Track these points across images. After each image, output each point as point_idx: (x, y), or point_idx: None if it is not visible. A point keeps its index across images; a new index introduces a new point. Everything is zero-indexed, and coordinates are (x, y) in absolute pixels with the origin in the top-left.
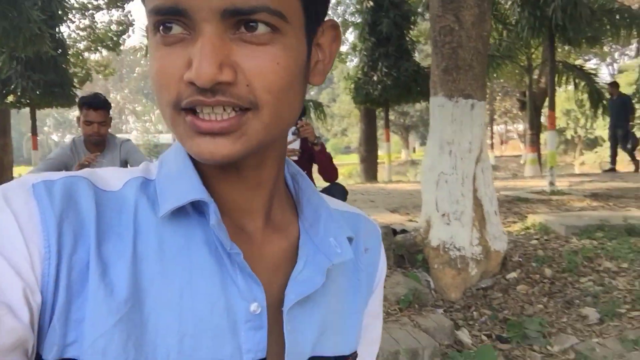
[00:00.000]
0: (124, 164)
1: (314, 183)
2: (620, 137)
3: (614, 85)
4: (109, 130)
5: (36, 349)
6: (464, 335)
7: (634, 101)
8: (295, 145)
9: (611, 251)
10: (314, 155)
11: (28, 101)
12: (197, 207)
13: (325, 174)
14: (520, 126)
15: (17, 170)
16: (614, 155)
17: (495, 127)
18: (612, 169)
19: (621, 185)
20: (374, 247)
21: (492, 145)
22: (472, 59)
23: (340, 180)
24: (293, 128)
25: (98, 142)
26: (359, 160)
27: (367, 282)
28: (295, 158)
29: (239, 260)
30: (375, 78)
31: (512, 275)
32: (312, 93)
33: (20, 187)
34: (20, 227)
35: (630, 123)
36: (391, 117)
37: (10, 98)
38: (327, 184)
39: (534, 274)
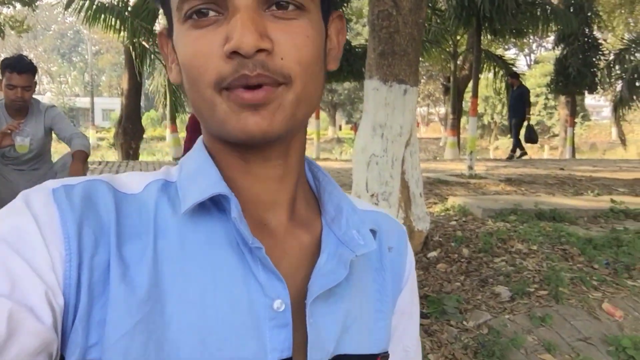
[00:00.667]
0: (49, 131)
1: None
2: (513, 126)
3: (515, 76)
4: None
5: (60, 351)
6: None
7: (547, 91)
8: None
9: (523, 234)
10: None
11: None
12: (217, 204)
13: None
14: (442, 109)
15: None
16: (515, 144)
17: (418, 110)
18: (511, 157)
19: (532, 171)
20: (399, 246)
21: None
22: (407, 45)
23: None
24: None
25: (21, 108)
26: None
27: (392, 282)
28: None
29: (260, 256)
30: None
31: (433, 254)
32: None
33: (41, 192)
34: (40, 230)
35: (528, 115)
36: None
37: None
38: None
39: (452, 254)
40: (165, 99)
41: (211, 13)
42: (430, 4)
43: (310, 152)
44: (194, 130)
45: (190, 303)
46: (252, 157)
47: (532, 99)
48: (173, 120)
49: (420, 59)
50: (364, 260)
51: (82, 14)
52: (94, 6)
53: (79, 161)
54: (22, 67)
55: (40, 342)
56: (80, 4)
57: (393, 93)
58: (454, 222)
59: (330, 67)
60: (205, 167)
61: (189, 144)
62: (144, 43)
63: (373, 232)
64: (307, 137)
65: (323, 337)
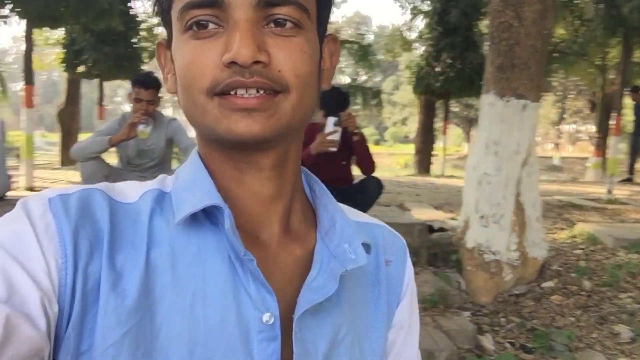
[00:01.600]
0: (169, 142)
1: (351, 174)
2: (631, 145)
3: (635, 90)
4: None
5: (52, 357)
6: (486, 341)
7: None
8: (336, 136)
9: None
10: (353, 146)
11: (98, 72)
12: (210, 215)
13: (361, 166)
14: (592, 127)
15: (83, 137)
16: (631, 164)
17: (565, 127)
18: (629, 179)
19: None
20: (398, 260)
21: (557, 146)
22: (529, 57)
23: (395, 170)
24: (335, 119)
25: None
26: (414, 151)
27: (388, 296)
28: (334, 149)
29: (251, 268)
30: (438, 69)
31: (548, 284)
32: (376, 80)
33: (38, 201)
34: (38, 238)
35: None
36: (455, 108)
37: (82, 68)
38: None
39: (571, 285)
40: None
41: (211, 25)
42: (576, 14)
43: (436, 168)
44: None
45: (179, 313)
46: (245, 165)
47: None
48: None
49: (567, 73)
50: (358, 274)
51: None
52: None
53: None
54: (148, 83)
55: (34, 347)
56: None
57: (510, 108)
58: (578, 251)
59: (324, 87)
60: (199, 178)
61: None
62: None
63: (366, 245)
64: (434, 153)
65: (310, 351)
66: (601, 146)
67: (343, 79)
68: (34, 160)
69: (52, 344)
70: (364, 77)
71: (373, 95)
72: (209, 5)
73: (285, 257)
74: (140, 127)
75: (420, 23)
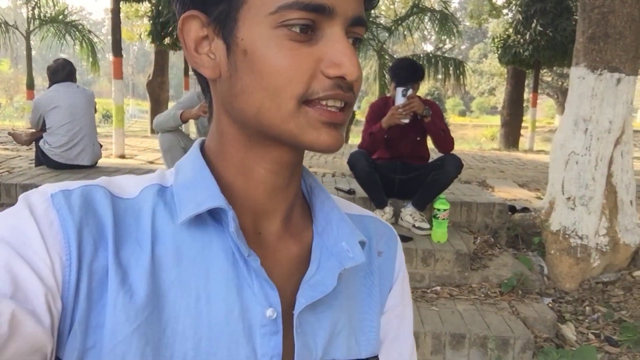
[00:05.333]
0: None
1: (427, 150)
2: None
3: None
4: None
5: (56, 353)
6: (568, 331)
7: None
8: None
9: None
10: (425, 125)
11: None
12: (214, 214)
13: (437, 145)
14: None
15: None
16: None
17: None
18: None
19: None
20: (389, 250)
21: None
22: (624, 27)
23: (481, 143)
24: (402, 89)
25: None
26: (500, 124)
27: (380, 286)
28: (406, 121)
29: (255, 266)
30: (527, 37)
31: None
32: (462, 47)
33: (41, 196)
34: (42, 235)
35: None
36: (547, 78)
37: (168, 40)
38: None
39: None
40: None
41: (307, 30)
42: None
43: (525, 142)
44: (371, 120)
45: (184, 309)
46: (277, 160)
47: None
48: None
49: None
50: (353, 268)
51: None
52: None
53: None
54: None
55: (37, 343)
56: None
57: (603, 82)
58: None
59: None
60: (203, 176)
61: (364, 134)
62: None
63: (362, 243)
64: (523, 126)
65: (310, 345)
66: None
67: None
68: (124, 129)
69: (55, 341)
70: (448, 46)
71: (456, 65)
72: (315, 10)
73: (284, 253)
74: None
75: None
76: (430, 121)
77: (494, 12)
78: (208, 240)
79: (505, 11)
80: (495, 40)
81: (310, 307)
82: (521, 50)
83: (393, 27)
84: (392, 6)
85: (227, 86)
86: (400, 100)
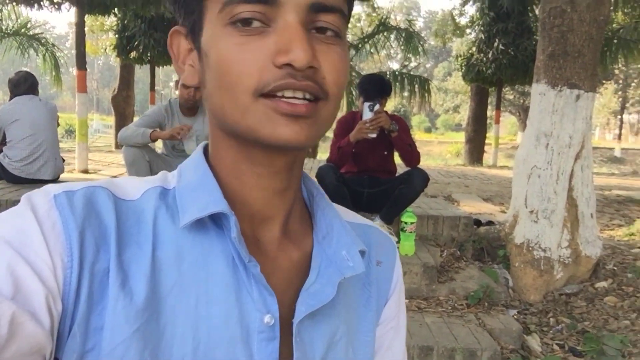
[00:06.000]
0: None
1: (394, 164)
2: None
3: None
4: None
5: (55, 355)
6: (533, 342)
7: None
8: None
9: None
10: (392, 140)
11: (149, 58)
12: (215, 218)
13: (405, 160)
14: None
15: None
16: None
17: (626, 116)
18: None
19: None
20: (388, 260)
21: (619, 136)
22: (582, 45)
23: (446, 159)
24: (369, 104)
25: (192, 107)
26: (464, 140)
27: (378, 296)
28: (373, 135)
29: (255, 272)
30: (490, 55)
31: (602, 284)
32: (427, 66)
33: (44, 197)
34: (44, 236)
35: None
36: (510, 96)
37: (133, 54)
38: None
39: (627, 286)
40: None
41: (256, 23)
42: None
43: (488, 158)
44: (339, 135)
45: (183, 314)
46: (265, 164)
47: None
48: None
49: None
50: (352, 277)
51: None
52: None
53: None
54: None
55: (37, 344)
56: None
57: (563, 99)
58: (636, 250)
59: None
60: (206, 180)
61: (332, 148)
62: None
63: (362, 252)
64: (486, 142)
65: (308, 354)
66: None
67: (392, 64)
68: (87, 144)
69: (54, 343)
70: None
71: (421, 83)
72: (261, 1)
73: (283, 260)
74: (187, 145)
75: (471, 8)
76: (397, 136)
77: (458, 32)
78: (209, 244)
79: (468, 31)
80: (459, 58)
81: (310, 316)
82: (484, 69)
83: (360, 45)
84: (358, 24)
85: (204, 91)
86: (367, 115)
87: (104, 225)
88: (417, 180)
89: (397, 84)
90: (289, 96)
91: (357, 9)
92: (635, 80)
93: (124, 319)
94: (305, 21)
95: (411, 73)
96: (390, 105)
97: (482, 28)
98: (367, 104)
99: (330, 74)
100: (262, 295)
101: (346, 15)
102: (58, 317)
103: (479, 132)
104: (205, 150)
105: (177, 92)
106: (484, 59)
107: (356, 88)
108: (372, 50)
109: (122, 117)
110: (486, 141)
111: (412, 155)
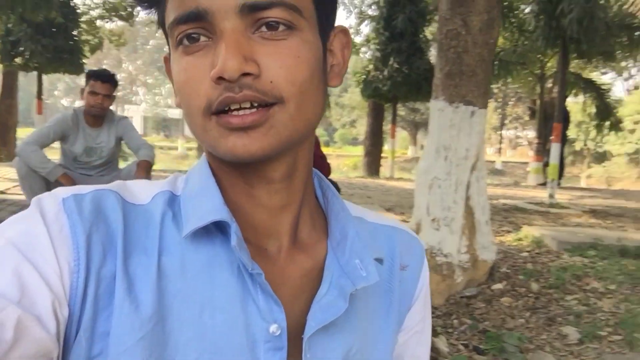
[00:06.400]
0: (119, 140)
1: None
2: None
3: None
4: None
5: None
6: (440, 343)
7: None
8: None
9: (601, 271)
10: None
11: (36, 65)
12: (220, 226)
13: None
14: (530, 133)
15: (22, 132)
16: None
17: (505, 132)
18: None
19: (622, 203)
20: (414, 264)
21: (500, 150)
22: (476, 65)
23: (345, 172)
24: None
25: (99, 115)
26: (363, 153)
27: (400, 302)
28: None
29: (260, 281)
30: (385, 73)
31: (498, 286)
32: None
33: (53, 200)
34: (51, 239)
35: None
36: (401, 112)
37: (19, 60)
38: None
39: (520, 287)
40: None
41: (202, 38)
42: (516, 24)
43: (385, 170)
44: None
45: (188, 322)
46: (256, 179)
47: (631, 125)
48: None
49: (506, 79)
50: (370, 286)
51: None
52: None
53: (143, 170)
54: (105, 76)
55: (42, 349)
56: None
57: (459, 114)
58: (525, 254)
59: (333, 84)
60: (207, 188)
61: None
62: None
63: (379, 260)
64: (383, 155)
65: None
66: (541, 152)
67: None
68: None
69: (60, 347)
70: None
71: None
72: (194, 19)
73: (293, 270)
74: (84, 157)
75: (366, 27)
76: None
77: (354, 49)
78: (214, 252)
79: (364, 49)
80: (357, 75)
81: (322, 330)
82: (381, 85)
83: None
84: None
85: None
86: None
87: (111, 230)
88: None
89: None
90: (236, 108)
91: None
92: (512, 99)
93: (129, 327)
94: (244, 25)
95: None
96: None
97: (377, 47)
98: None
99: (279, 73)
100: (268, 304)
101: (295, 5)
102: (64, 321)
103: (376, 146)
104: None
105: (82, 100)
106: (380, 76)
107: None
108: None
109: (5, 127)
110: (382, 155)
111: (323, 166)
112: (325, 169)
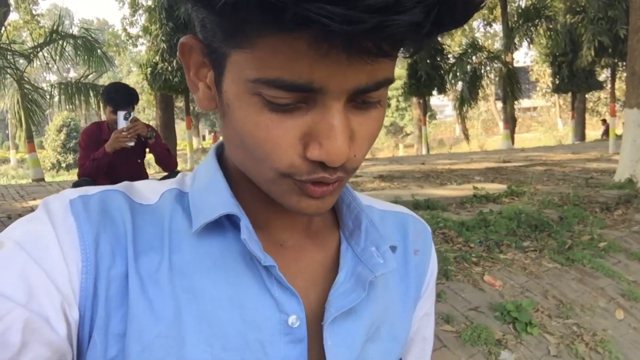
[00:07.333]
0: None
1: (146, 172)
2: None
3: None
4: None
5: None
6: None
7: (399, 94)
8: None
9: None
10: (149, 146)
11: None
12: (231, 219)
13: (162, 164)
14: None
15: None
16: None
17: None
18: None
19: (399, 168)
20: (424, 248)
21: None
22: None
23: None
24: (124, 112)
25: None
26: None
27: (415, 286)
28: (132, 144)
29: (275, 273)
30: (174, 64)
31: None
32: (90, 77)
33: (60, 201)
34: (59, 241)
35: None
36: (180, 104)
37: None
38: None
39: None
40: (20, 117)
41: (284, 104)
42: None
43: (182, 164)
44: (87, 147)
45: (204, 319)
46: (279, 209)
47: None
48: (30, 139)
49: None
50: (387, 272)
51: None
52: None
53: None
54: None
55: (53, 352)
56: None
57: None
58: None
59: None
60: (216, 183)
61: (84, 161)
62: None
63: (393, 248)
64: (178, 149)
65: (342, 357)
66: None
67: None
68: None
69: (74, 350)
70: (73, 74)
71: (97, 92)
72: (301, 90)
73: (307, 260)
74: None
75: (141, 17)
76: (154, 142)
77: (132, 40)
78: (226, 246)
79: (142, 40)
80: (143, 67)
81: (341, 317)
82: (171, 77)
83: (32, 55)
84: (32, 34)
85: (221, 122)
86: (122, 123)
87: (119, 230)
88: None
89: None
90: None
91: (14, 15)
92: None
93: (146, 325)
94: (347, 100)
95: (93, 83)
96: (61, 117)
97: (163, 38)
98: (121, 113)
99: (362, 147)
100: (285, 295)
101: (392, 82)
102: (75, 323)
103: (170, 139)
104: (222, 150)
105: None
106: (169, 67)
107: (100, 96)
108: (49, 61)
109: (168, 141)
110: (176, 148)
111: (169, 159)
112: (172, 161)
